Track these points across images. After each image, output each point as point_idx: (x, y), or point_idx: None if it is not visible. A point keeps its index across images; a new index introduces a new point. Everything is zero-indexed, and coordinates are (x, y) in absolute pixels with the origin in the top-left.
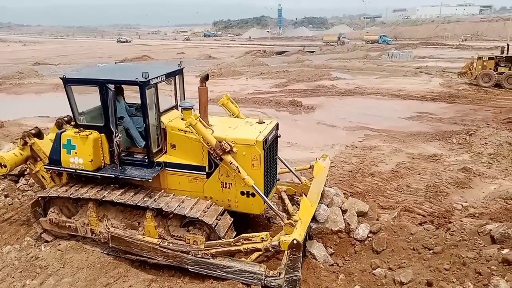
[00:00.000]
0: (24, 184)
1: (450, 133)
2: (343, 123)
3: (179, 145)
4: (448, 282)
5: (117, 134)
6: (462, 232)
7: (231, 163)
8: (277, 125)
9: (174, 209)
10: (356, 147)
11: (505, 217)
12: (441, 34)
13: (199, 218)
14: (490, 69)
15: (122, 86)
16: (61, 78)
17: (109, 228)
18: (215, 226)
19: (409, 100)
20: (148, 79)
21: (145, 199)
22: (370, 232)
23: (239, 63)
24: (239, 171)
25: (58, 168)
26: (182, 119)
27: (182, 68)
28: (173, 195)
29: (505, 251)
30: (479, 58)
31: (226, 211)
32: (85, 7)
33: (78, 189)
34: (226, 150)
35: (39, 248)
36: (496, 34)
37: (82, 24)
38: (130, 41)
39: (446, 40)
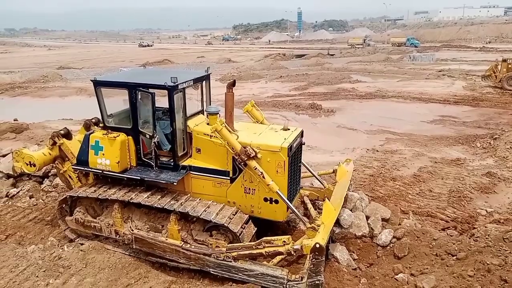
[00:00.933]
0: (48, 185)
1: (474, 137)
2: (364, 126)
3: (204, 149)
4: None
5: (155, 135)
6: (486, 238)
7: (256, 168)
8: (301, 132)
9: (200, 214)
10: (377, 151)
11: None
12: (464, 37)
13: (225, 224)
14: None
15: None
16: (91, 80)
17: (132, 230)
18: (240, 234)
19: (431, 104)
20: (176, 83)
21: (171, 202)
22: (394, 237)
23: (259, 67)
24: (263, 177)
25: (85, 169)
26: (208, 124)
27: (209, 74)
28: (199, 199)
29: None
30: (504, 60)
31: (250, 220)
32: (107, 12)
33: (106, 190)
34: (251, 156)
35: (62, 248)
36: None
37: (105, 29)
38: (151, 45)
39: (469, 42)
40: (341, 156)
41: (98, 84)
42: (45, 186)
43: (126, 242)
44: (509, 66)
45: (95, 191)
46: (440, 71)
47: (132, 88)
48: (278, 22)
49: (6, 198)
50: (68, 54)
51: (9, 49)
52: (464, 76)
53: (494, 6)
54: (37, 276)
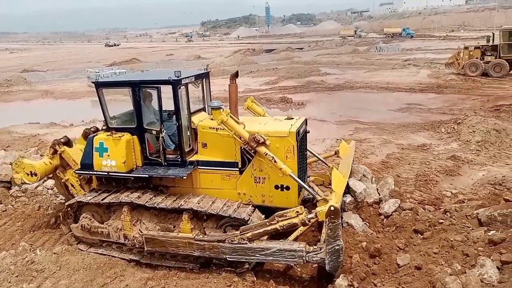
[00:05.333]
0: (17, 191)
1: (438, 123)
2: (333, 117)
3: (211, 143)
4: (437, 264)
5: (163, 130)
6: (451, 217)
7: (266, 154)
8: (305, 120)
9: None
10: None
11: (494, 202)
12: (428, 26)
13: (231, 215)
14: (477, 58)
15: (150, 91)
16: (93, 82)
17: (142, 232)
18: (248, 220)
19: (397, 92)
20: (180, 77)
21: (182, 201)
22: (399, 207)
23: (229, 63)
24: (275, 161)
25: (90, 172)
26: (212, 119)
27: (209, 72)
28: (213, 196)
29: (491, 232)
30: (466, 48)
31: (256, 209)
32: (71, 12)
33: (129, 194)
34: (260, 142)
35: (35, 252)
36: (482, 24)
37: (69, 30)
38: (118, 45)
39: (433, 31)
40: (311, 146)
41: (100, 86)
42: (13, 192)
43: (136, 246)
44: (471, 53)
45: (127, 195)
46: (405, 60)
47: (136, 86)
48: (247, 18)
49: None
50: (32, 57)
51: None
52: (429, 64)
53: None
54: (9, 282)
